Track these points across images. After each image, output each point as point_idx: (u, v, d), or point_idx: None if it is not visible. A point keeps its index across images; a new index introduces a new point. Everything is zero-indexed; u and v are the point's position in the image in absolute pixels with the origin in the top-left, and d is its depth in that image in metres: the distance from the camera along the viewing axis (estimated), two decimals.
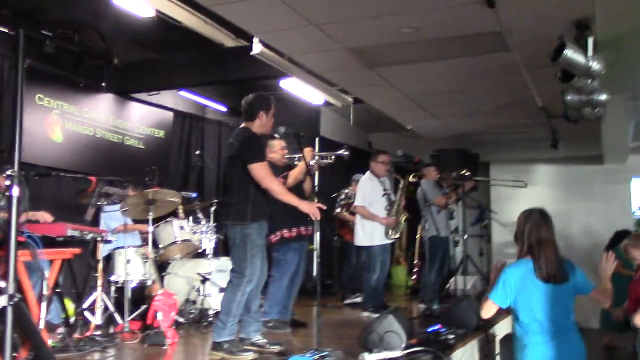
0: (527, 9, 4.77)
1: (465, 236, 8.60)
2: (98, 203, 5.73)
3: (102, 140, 7.40)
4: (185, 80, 7.68)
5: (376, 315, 6.75)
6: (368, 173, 7.20)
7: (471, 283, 9.03)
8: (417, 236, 9.91)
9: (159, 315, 4.94)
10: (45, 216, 4.48)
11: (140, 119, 8.01)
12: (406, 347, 4.36)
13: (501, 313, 6.15)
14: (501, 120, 8.50)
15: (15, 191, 2.71)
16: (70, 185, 6.46)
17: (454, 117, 8.30)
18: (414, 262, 9.68)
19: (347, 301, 8.03)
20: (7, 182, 2.71)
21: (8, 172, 2.71)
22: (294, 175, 5.79)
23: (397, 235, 7.16)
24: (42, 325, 3.07)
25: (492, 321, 5.82)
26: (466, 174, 7.82)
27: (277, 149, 5.95)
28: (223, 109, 9.50)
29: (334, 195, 9.23)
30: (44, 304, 3.09)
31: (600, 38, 4.99)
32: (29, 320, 2.69)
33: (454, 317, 5.53)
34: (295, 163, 6.01)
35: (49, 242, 3.28)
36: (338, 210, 8.49)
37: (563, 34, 4.92)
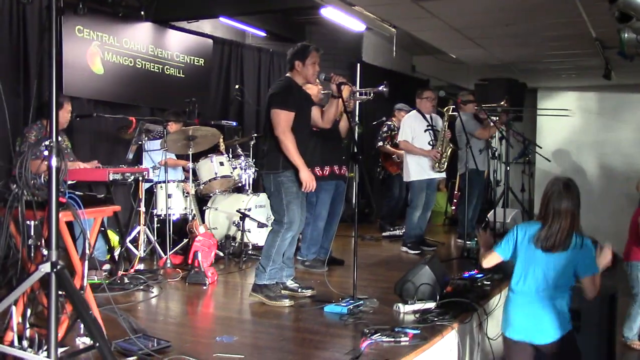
0: None
1: (508, 168, 8.45)
2: (139, 142, 5.78)
3: (142, 71, 7.38)
4: (225, 9, 7.50)
5: (414, 252, 6.88)
6: (414, 111, 7.06)
7: (511, 216, 8.95)
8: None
9: (199, 256, 5.07)
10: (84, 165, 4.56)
11: (179, 48, 7.92)
12: (441, 298, 4.39)
13: None
14: (551, 50, 8.14)
15: (54, 161, 2.73)
16: (111, 123, 6.49)
17: (501, 47, 7.98)
18: (455, 192, 9.60)
19: (385, 234, 8.09)
20: (46, 152, 2.74)
21: (46, 143, 2.73)
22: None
23: (444, 168, 7.07)
24: (85, 283, 3.16)
25: None
26: (504, 105, 7.57)
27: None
28: (262, 34, 9.34)
29: (374, 122, 9.11)
30: (86, 263, 3.18)
31: None
32: (72, 286, 2.78)
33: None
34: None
35: (89, 201, 3.32)
36: (380, 143, 8.40)
37: None
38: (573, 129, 10.83)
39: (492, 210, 8.34)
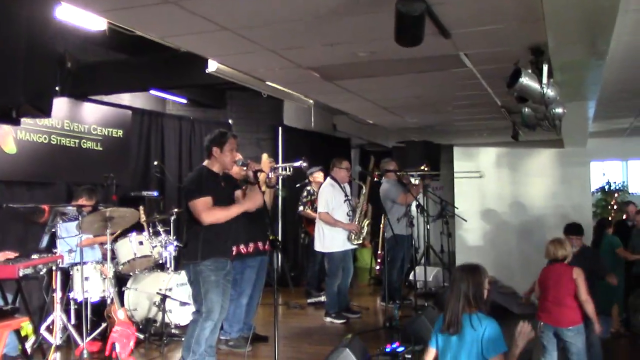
0: (482, 37, 4.72)
1: (428, 227, 8.67)
2: (53, 229, 5.63)
3: (57, 146, 7.21)
4: (143, 83, 7.48)
5: (339, 322, 6.93)
6: (329, 179, 7.19)
7: (433, 274, 9.20)
8: (381, 225, 9.99)
9: (117, 347, 4.94)
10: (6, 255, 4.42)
11: (97, 120, 7.82)
12: None
13: None
14: (461, 116, 8.51)
15: None
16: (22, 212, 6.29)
17: (414, 115, 8.28)
18: (378, 252, 9.76)
19: (310, 300, 8.10)
20: None
21: None
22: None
23: (360, 241, 7.21)
24: None
25: None
26: (424, 170, 7.85)
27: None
28: (183, 101, 9.36)
29: (297, 185, 9.18)
30: None
31: (555, 63, 4.98)
32: None
33: (412, 332, 5.63)
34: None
35: None
36: (301, 208, 8.48)
37: (519, 60, 4.90)
38: (488, 186, 11.22)
39: (413, 270, 8.56)
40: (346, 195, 7.13)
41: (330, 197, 7.05)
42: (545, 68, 4.85)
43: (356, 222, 7.06)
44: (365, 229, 7.22)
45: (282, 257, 7.49)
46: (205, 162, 4.72)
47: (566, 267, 5.50)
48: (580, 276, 5.42)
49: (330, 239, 7.00)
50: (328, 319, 6.98)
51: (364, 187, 7.35)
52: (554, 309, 5.50)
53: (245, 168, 4.80)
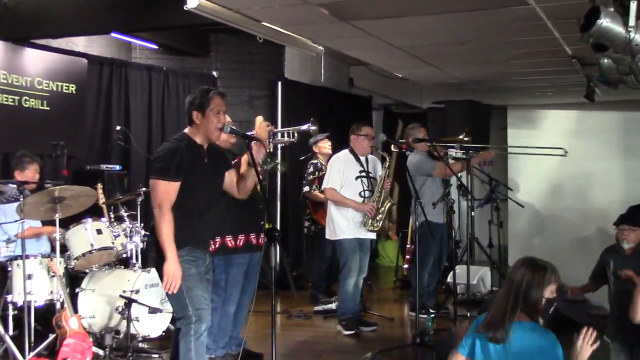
0: None
1: (473, 214, 8.63)
2: None
3: None
4: (103, 24, 7.50)
5: (347, 332, 6.97)
6: (346, 151, 7.13)
7: (478, 275, 9.14)
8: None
9: None
10: None
11: (42, 71, 7.85)
12: None
13: None
14: (519, 68, 8.46)
15: None
16: None
17: (457, 66, 8.24)
18: (407, 246, 9.76)
19: (317, 308, 8.11)
20: None
21: None
22: (246, 162, 5.58)
23: (378, 228, 7.15)
24: None
25: None
26: (464, 140, 7.71)
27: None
28: (153, 46, 9.36)
29: (302, 157, 9.15)
30: None
31: None
32: None
33: (450, 350, 5.62)
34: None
35: None
36: (306, 188, 8.42)
37: None
38: (552, 161, 11.11)
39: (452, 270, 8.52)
40: (363, 171, 7.07)
41: (337, 169, 6.99)
42: (633, 5, 4.77)
43: (372, 202, 6.99)
44: (385, 213, 7.11)
45: (282, 252, 7.49)
46: (187, 130, 4.67)
47: None
48: None
49: (340, 223, 6.99)
50: (338, 327, 7.06)
51: (387, 160, 7.23)
52: None
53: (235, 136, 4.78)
